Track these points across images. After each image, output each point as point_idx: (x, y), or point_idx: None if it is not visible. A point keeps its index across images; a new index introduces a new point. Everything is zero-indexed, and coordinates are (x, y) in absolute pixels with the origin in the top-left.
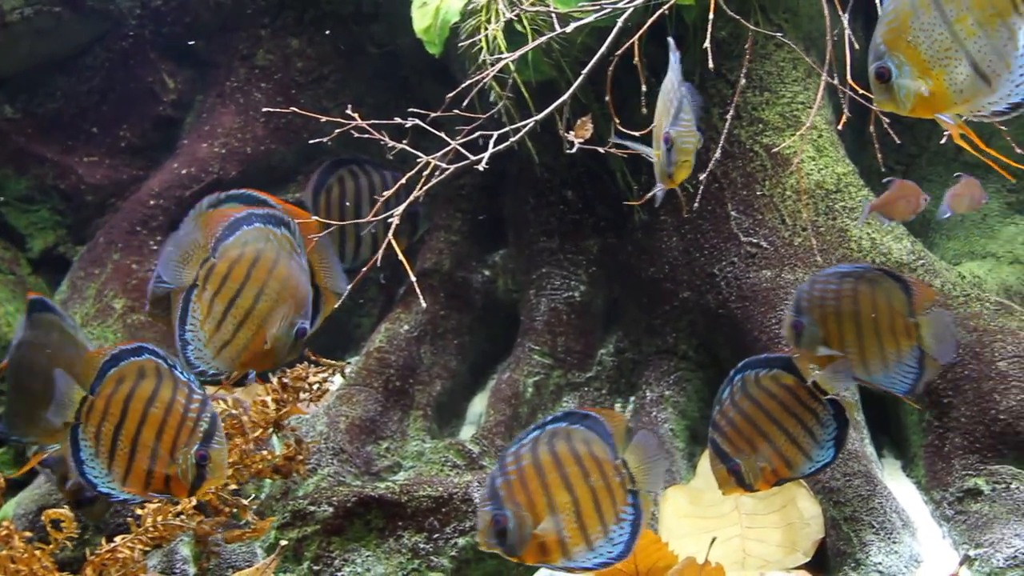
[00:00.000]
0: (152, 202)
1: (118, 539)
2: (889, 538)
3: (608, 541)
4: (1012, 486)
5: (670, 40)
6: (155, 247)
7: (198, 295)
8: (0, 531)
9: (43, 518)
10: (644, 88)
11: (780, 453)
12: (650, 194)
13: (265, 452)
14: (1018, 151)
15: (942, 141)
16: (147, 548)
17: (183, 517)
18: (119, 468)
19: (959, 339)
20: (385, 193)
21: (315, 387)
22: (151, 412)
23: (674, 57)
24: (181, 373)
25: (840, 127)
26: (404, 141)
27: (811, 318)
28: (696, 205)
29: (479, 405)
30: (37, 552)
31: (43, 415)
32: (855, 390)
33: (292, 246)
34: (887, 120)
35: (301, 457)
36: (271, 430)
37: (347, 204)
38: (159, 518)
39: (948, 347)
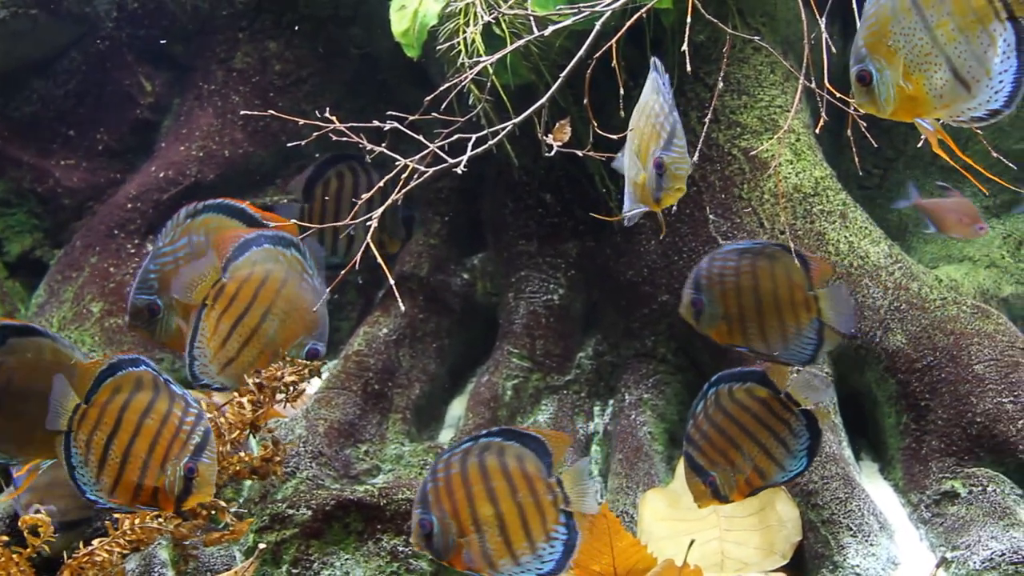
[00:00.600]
0: (129, 205)
1: (96, 542)
2: (867, 540)
3: (536, 558)
4: (989, 489)
5: (655, 61)
6: (132, 251)
7: (207, 313)
8: None
9: (20, 524)
10: (622, 91)
11: (754, 464)
12: (628, 213)
13: (242, 454)
14: (994, 155)
15: (919, 145)
16: (125, 551)
17: (161, 520)
18: (108, 478)
19: (856, 308)
20: (363, 196)
21: (291, 388)
22: (146, 423)
23: (663, 79)
24: (176, 387)
25: (818, 131)
26: (383, 144)
27: (710, 295)
28: (674, 209)
29: (458, 408)
30: (14, 556)
31: (29, 434)
32: (832, 392)
33: (303, 267)
34: (864, 124)
35: (278, 458)
36: (248, 432)
37: (340, 200)
38: (137, 521)
39: (847, 318)
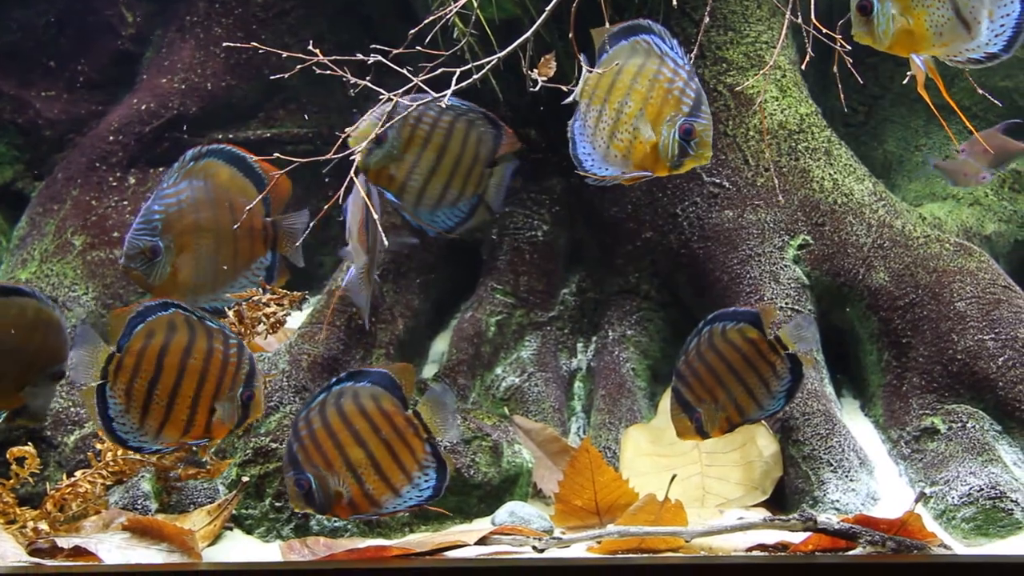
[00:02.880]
0: (111, 138)
1: (78, 474)
2: (847, 476)
3: (415, 487)
4: (968, 425)
5: (650, 24)
6: (114, 183)
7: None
8: None
9: (8, 455)
10: (608, 25)
11: (735, 402)
12: (613, 177)
13: None
14: (980, 91)
15: (904, 83)
16: (108, 483)
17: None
18: (154, 421)
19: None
20: (348, 129)
21: (271, 318)
22: (189, 363)
23: (668, 43)
24: (212, 321)
25: (803, 67)
26: (367, 78)
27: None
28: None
29: (441, 344)
30: None
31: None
32: (815, 330)
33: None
34: (850, 61)
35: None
36: None
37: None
38: (119, 452)
39: (500, 199)
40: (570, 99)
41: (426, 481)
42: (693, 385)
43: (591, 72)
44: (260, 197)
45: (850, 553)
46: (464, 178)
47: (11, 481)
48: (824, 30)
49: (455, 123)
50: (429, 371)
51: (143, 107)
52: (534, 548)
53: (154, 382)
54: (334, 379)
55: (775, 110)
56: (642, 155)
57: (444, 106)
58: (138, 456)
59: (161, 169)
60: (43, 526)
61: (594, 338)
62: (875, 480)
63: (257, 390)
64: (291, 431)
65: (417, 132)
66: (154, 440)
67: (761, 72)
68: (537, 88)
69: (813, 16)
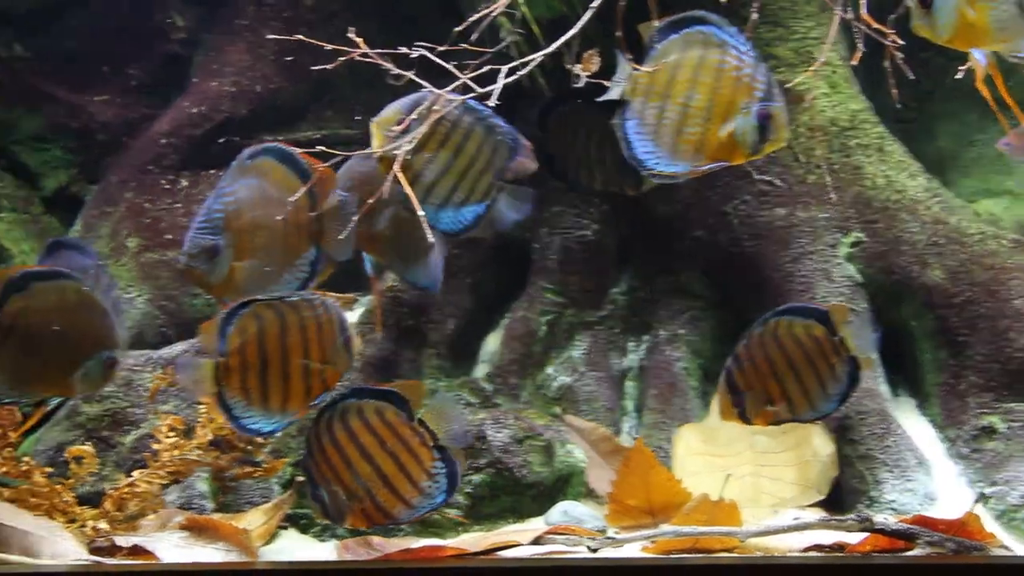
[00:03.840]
0: (163, 141)
1: (136, 474)
2: (903, 476)
3: (426, 497)
4: None
5: (706, 15)
6: (167, 186)
7: None
8: (21, 467)
9: (66, 454)
10: (656, 23)
11: (788, 398)
12: (687, 173)
13: None
14: None
15: (957, 77)
16: (165, 483)
17: (199, 452)
18: (275, 403)
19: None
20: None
21: None
22: (289, 342)
23: (726, 31)
24: (294, 296)
25: (854, 63)
26: (412, 72)
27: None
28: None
29: (492, 344)
30: (58, 487)
31: (43, 373)
32: (874, 332)
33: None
34: (902, 56)
35: None
36: None
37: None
38: (176, 453)
39: (505, 220)
40: (607, 96)
41: (437, 488)
42: (746, 369)
43: (637, 70)
44: (304, 190)
45: (908, 554)
46: (472, 183)
47: (71, 481)
48: (875, 25)
49: (474, 126)
50: (480, 371)
51: (194, 110)
52: (588, 548)
53: (264, 372)
54: (340, 394)
55: (825, 107)
56: (717, 146)
57: (467, 107)
58: (194, 456)
59: (212, 172)
60: (102, 525)
61: (645, 337)
62: (933, 480)
63: (350, 331)
64: (305, 447)
65: (438, 128)
66: (284, 418)
67: (811, 69)
68: (582, 83)
69: (864, 11)
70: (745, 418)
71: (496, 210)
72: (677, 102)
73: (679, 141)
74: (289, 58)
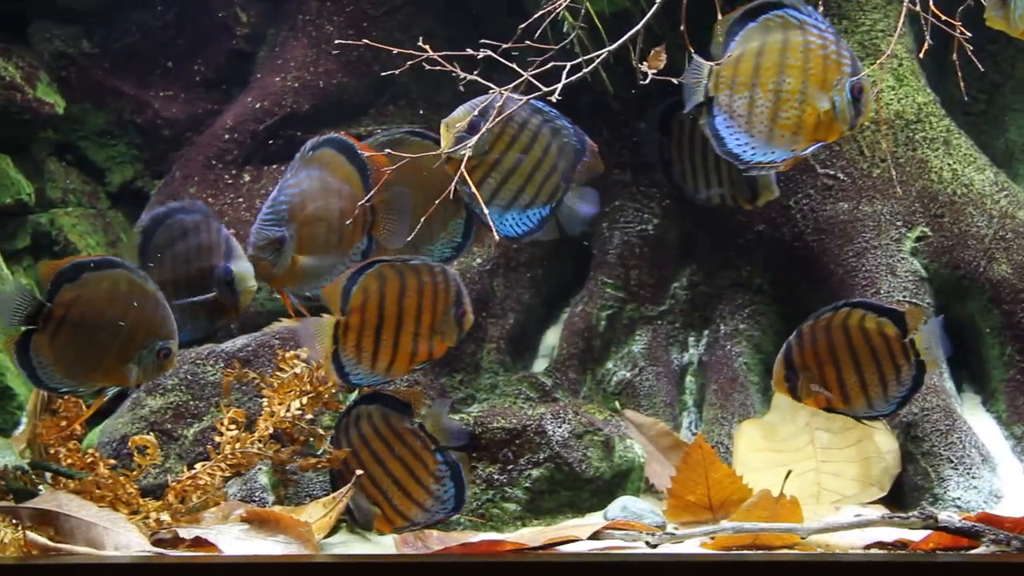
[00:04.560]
0: (226, 136)
1: (198, 466)
2: (968, 473)
3: (437, 501)
4: None
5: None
6: (230, 181)
7: None
8: (86, 458)
9: (129, 444)
10: (720, 16)
11: (844, 389)
12: (781, 162)
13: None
14: None
15: None
16: (227, 475)
17: (260, 445)
18: (383, 362)
19: None
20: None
21: None
22: (405, 303)
23: (805, 11)
24: (414, 260)
25: (921, 56)
26: (475, 72)
27: None
28: None
29: (552, 338)
30: (121, 479)
31: (98, 363)
32: (944, 336)
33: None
34: (970, 48)
35: None
36: None
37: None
38: (237, 445)
39: (573, 223)
40: (691, 101)
41: (446, 492)
42: (806, 349)
43: (717, 64)
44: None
45: (973, 552)
46: (539, 185)
47: (134, 473)
48: (943, 17)
49: (541, 128)
50: (540, 365)
51: (257, 105)
52: (647, 544)
53: (378, 330)
54: (354, 401)
55: (892, 99)
56: (815, 125)
57: (534, 109)
58: (255, 449)
59: (275, 167)
60: (165, 517)
61: (705, 332)
62: (998, 477)
63: (466, 305)
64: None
65: (506, 129)
66: (386, 375)
67: (878, 62)
68: (647, 81)
69: (932, 3)
70: (796, 395)
71: (562, 213)
72: (767, 88)
73: (775, 127)
74: (352, 53)
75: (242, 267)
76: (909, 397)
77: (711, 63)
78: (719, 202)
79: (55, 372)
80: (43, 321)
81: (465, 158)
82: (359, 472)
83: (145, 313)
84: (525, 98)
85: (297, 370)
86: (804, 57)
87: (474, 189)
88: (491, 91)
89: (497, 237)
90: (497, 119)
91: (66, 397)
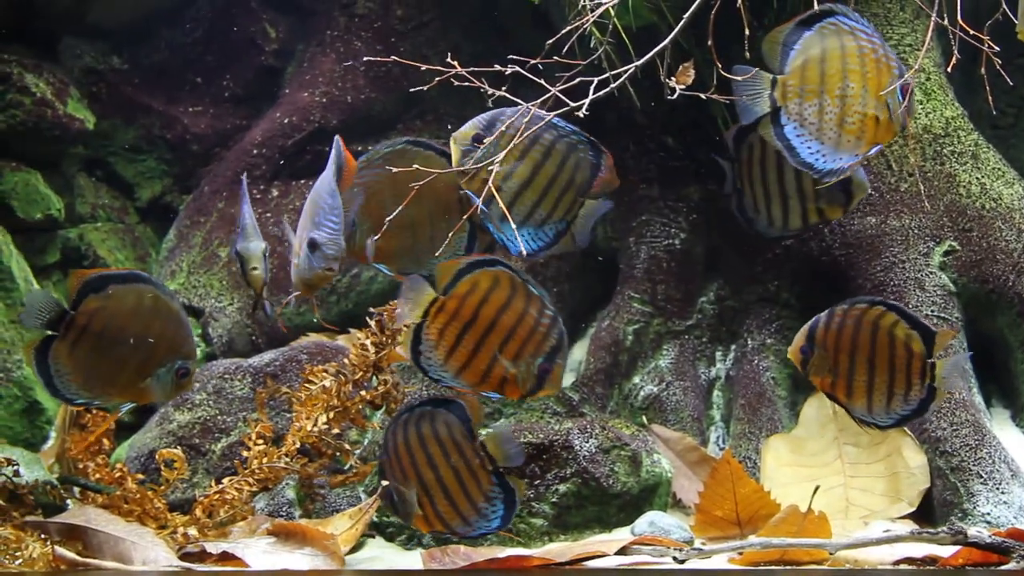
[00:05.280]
0: (255, 151)
1: (226, 481)
2: (998, 488)
3: (483, 518)
4: None
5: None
6: (258, 196)
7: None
8: (114, 473)
9: (157, 458)
10: (747, 32)
11: (849, 381)
12: (853, 162)
13: (363, 392)
14: None
15: None
16: (254, 490)
17: (288, 460)
18: (456, 363)
19: None
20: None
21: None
22: (502, 319)
23: (854, 19)
24: (534, 288)
25: (949, 69)
26: (503, 88)
27: None
28: None
29: (579, 353)
30: (149, 493)
31: (116, 377)
32: (962, 338)
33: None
34: (999, 62)
35: (396, 395)
36: (371, 373)
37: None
38: (265, 460)
39: (586, 234)
40: (754, 112)
41: (493, 511)
42: (831, 332)
43: (782, 75)
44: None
45: (1003, 568)
46: (555, 200)
47: (162, 487)
48: (971, 31)
49: (556, 143)
50: (567, 380)
51: (286, 120)
52: (674, 559)
53: (466, 328)
54: (417, 401)
55: (920, 114)
56: (875, 129)
57: (549, 123)
58: (282, 464)
59: (303, 181)
60: (192, 531)
61: (733, 347)
62: None
63: (557, 366)
64: (382, 443)
65: (518, 144)
66: (453, 378)
67: (906, 76)
68: (675, 96)
69: (960, 17)
70: (804, 368)
71: (576, 227)
72: (834, 95)
73: (843, 132)
74: (380, 69)
75: (250, 247)
76: (909, 419)
77: (773, 74)
78: (800, 226)
79: (71, 382)
80: (65, 328)
81: (492, 175)
82: (385, 484)
83: (167, 331)
84: (549, 115)
85: (326, 383)
86: (861, 61)
87: (502, 206)
88: (519, 106)
89: (516, 252)
90: (508, 133)
91: (93, 412)
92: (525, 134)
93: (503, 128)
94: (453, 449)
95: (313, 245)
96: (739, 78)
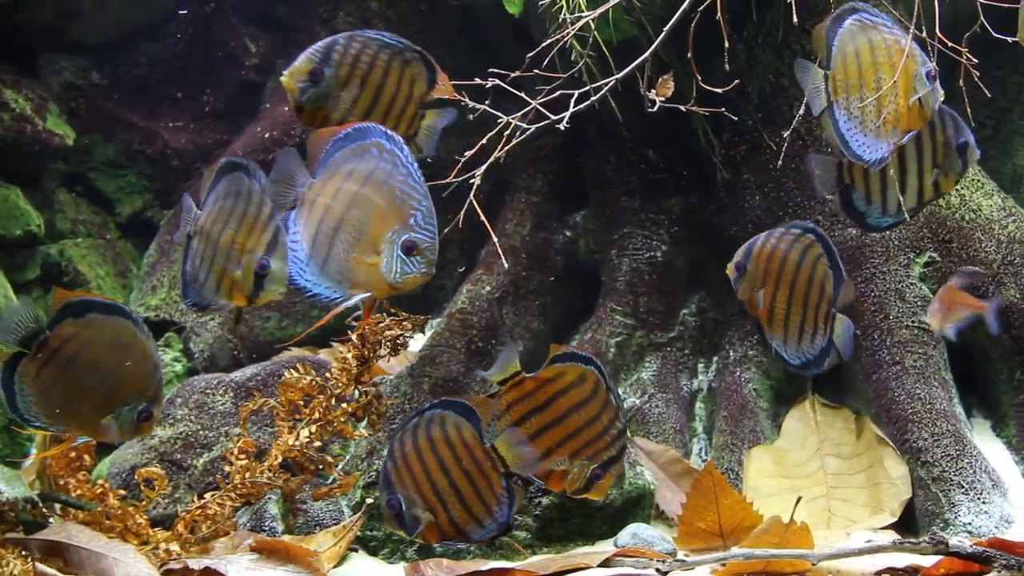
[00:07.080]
0: None
1: (208, 496)
2: (979, 498)
3: (494, 521)
4: None
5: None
6: None
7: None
8: (96, 489)
9: (137, 476)
10: (727, 45)
11: (771, 308)
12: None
13: (345, 405)
14: None
15: None
16: (236, 505)
17: (271, 475)
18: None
19: None
20: (467, 153)
21: (397, 340)
22: (573, 416)
23: (874, 10)
24: (615, 398)
25: None
26: (485, 102)
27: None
28: (780, 163)
29: None
30: (131, 509)
31: (80, 408)
32: (943, 348)
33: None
34: (977, 74)
35: (378, 408)
36: (353, 387)
37: None
38: (247, 475)
39: (431, 144)
40: (818, 106)
41: (501, 513)
42: (763, 251)
43: (827, 71)
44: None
45: None
46: (396, 117)
47: (144, 503)
48: (950, 44)
49: (391, 62)
50: None
51: (266, 135)
52: (658, 571)
53: (535, 411)
54: (427, 404)
55: None
56: (909, 117)
57: (380, 43)
58: (265, 479)
59: None
60: (175, 547)
61: (715, 358)
62: (1009, 503)
63: (608, 476)
64: (387, 452)
65: (355, 71)
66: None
67: (885, 87)
68: (655, 108)
69: (938, 30)
70: (735, 286)
71: (421, 138)
72: (871, 88)
73: (882, 123)
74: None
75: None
76: (811, 367)
77: (825, 69)
78: (915, 207)
79: (33, 404)
80: (36, 348)
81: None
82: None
83: (138, 370)
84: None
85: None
86: (887, 54)
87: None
88: (499, 120)
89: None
90: (346, 60)
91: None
92: (363, 59)
93: (343, 58)
94: (464, 452)
95: (412, 248)
96: (802, 74)
